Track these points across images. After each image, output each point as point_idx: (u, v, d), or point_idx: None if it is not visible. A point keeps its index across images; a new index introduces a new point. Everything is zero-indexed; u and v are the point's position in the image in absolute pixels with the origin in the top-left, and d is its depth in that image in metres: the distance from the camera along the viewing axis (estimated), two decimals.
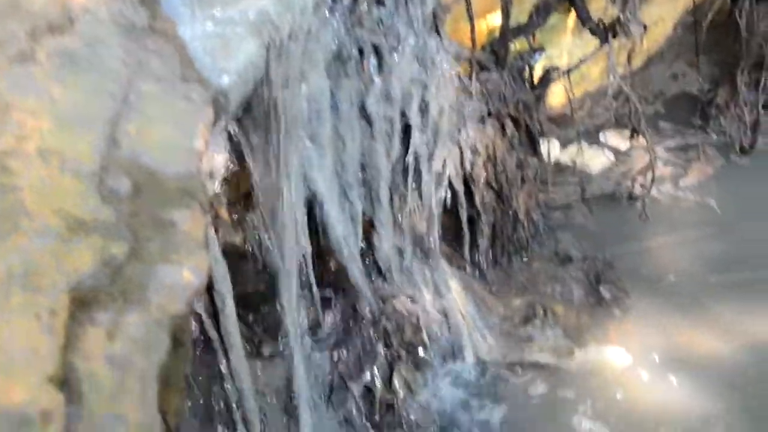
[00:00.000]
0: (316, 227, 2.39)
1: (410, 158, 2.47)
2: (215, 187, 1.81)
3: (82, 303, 1.10)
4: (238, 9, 1.58)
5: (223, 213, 1.68)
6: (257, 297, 2.50)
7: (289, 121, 1.82)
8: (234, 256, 2.45)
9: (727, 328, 2.83)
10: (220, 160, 1.70)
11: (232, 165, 1.79)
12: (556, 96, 3.48)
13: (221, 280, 2.13)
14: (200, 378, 2.32)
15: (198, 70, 1.33)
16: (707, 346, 2.81)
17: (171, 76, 1.29)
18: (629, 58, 3.23)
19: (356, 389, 2.57)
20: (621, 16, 2.86)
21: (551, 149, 3.41)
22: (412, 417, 2.70)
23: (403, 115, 2.36)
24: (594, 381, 2.77)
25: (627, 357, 2.81)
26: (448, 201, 2.84)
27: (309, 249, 2.32)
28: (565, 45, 3.37)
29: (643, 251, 3.13)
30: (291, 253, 2.24)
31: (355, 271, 2.54)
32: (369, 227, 2.58)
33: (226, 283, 2.14)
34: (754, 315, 2.86)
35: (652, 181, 3.15)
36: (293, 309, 2.36)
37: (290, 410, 2.44)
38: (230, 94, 1.43)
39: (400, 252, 2.72)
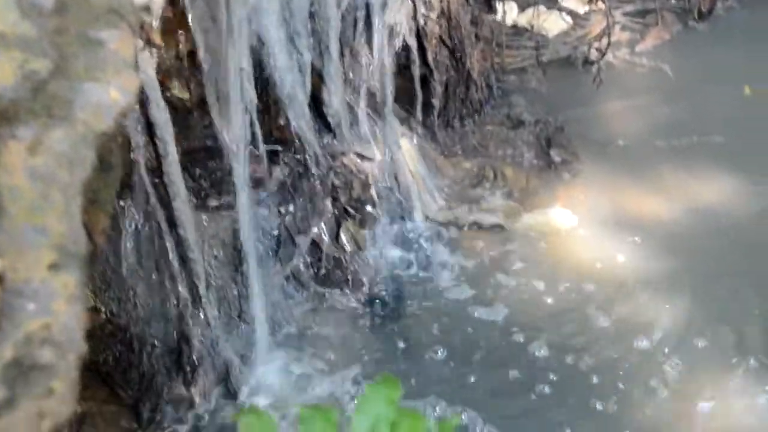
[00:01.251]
0: (263, 78, 2.34)
1: (361, 10, 2.40)
2: (153, 23, 1.73)
3: (2, 118, 1.05)
4: None
5: (157, 39, 1.61)
6: (204, 152, 2.46)
7: None
8: (182, 110, 2.40)
9: (672, 191, 2.87)
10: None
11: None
12: None
13: (163, 126, 2.08)
14: (146, 229, 2.28)
15: None
16: (653, 208, 2.85)
17: None
18: None
19: (303, 243, 2.57)
20: None
21: (508, 11, 3.35)
22: (359, 274, 2.71)
23: None
24: (540, 242, 2.81)
25: (573, 218, 2.84)
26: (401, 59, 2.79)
27: (255, 100, 2.26)
28: None
29: (594, 116, 3.14)
30: (236, 105, 2.20)
31: (303, 126, 2.50)
32: (318, 81, 2.53)
33: (168, 130, 2.10)
34: (700, 179, 2.90)
35: (608, 45, 3.13)
36: (240, 163, 2.33)
37: (237, 264, 2.44)
38: None
39: (351, 108, 2.67)
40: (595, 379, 2.42)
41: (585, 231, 2.81)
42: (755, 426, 2.32)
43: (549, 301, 2.65)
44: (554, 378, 2.44)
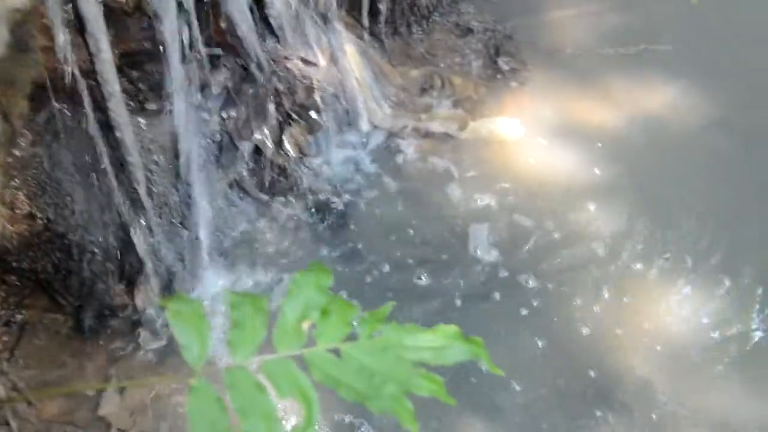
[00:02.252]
0: None
1: None
2: None
3: None
4: None
5: None
6: (143, 55, 2.36)
7: None
8: (119, 12, 2.29)
9: (618, 98, 2.87)
10: None
11: None
12: None
13: (93, 21, 1.97)
14: (81, 133, 2.20)
15: None
16: (599, 116, 2.84)
17: None
18: None
19: (246, 149, 2.52)
20: None
21: None
22: (304, 182, 2.68)
23: None
24: (487, 150, 2.79)
25: (521, 128, 2.82)
26: None
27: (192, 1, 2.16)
28: None
29: (543, 24, 3.10)
30: (170, 3, 2.10)
31: (245, 29, 2.41)
32: None
33: (100, 26, 1.99)
34: (644, 86, 2.90)
35: None
36: (177, 66, 2.25)
37: (178, 169, 2.38)
38: None
39: (296, 13, 2.58)
40: (545, 285, 2.47)
41: (532, 139, 2.80)
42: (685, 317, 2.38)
43: (496, 209, 2.64)
44: (502, 284, 2.47)
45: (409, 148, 2.78)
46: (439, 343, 1.32)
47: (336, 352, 1.28)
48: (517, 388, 2.25)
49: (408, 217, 2.62)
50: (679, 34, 3.01)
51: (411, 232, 2.59)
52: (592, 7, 3.11)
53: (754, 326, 2.37)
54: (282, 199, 2.64)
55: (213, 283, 2.49)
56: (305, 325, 1.30)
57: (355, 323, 1.31)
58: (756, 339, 2.34)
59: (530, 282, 2.46)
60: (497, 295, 2.44)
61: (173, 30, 2.12)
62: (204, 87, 2.45)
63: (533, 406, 2.23)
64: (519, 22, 3.06)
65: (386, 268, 2.51)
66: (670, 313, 2.41)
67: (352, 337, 1.29)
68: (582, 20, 3.08)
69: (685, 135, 2.77)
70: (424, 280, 2.48)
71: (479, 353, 1.29)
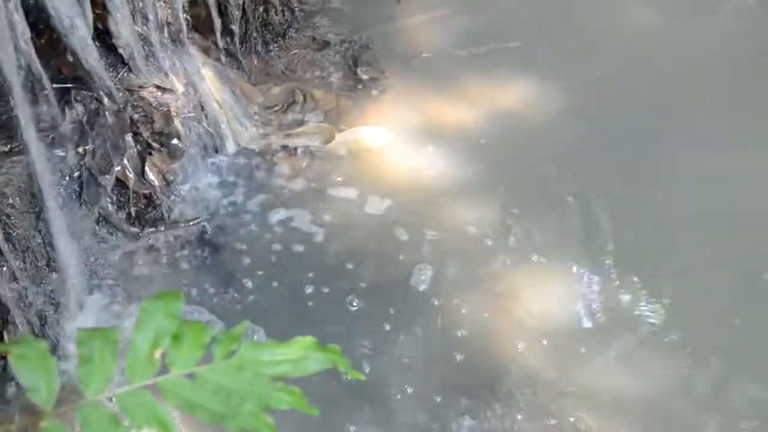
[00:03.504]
0: (38, 9, 2.17)
1: None
2: None
3: None
4: None
5: None
6: None
7: None
8: None
9: (474, 97, 2.93)
10: None
11: None
12: None
13: None
14: None
15: None
16: (457, 117, 2.90)
17: None
18: None
19: (108, 183, 2.46)
20: None
21: None
22: (174, 210, 2.65)
23: None
24: (355, 160, 2.81)
25: (386, 135, 2.86)
26: None
27: (28, 34, 2.08)
28: None
29: (397, 31, 3.14)
30: (6, 40, 2.02)
31: (91, 60, 2.36)
32: (103, 11, 2.36)
33: None
34: (497, 83, 2.98)
35: None
36: (23, 104, 2.17)
37: (38, 210, 2.31)
38: None
39: (145, 39, 2.54)
40: (421, 284, 2.51)
41: (397, 145, 2.84)
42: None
43: (370, 217, 2.67)
44: (364, 289, 2.49)
45: (279, 166, 2.79)
46: (296, 355, 1.33)
47: (191, 376, 1.28)
48: (408, 386, 2.29)
49: (284, 235, 2.62)
50: (525, 32, 3.11)
51: (289, 249, 2.58)
52: (442, 11, 3.19)
53: (636, 312, 2.46)
54: (152, 229, 2.58)
55: (90, 322, 2.42)
56: (157, 354, 1.29)
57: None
58: (638, 324, 2.43)
59: (411, 281, 2.50)
60: (358, 303, 2.47)
61: (9, 65, 2.04)
62: (55, 123, 2.38)
63: (425, 401, 2.27)
64: (374, 31, 3.10)
65: (265, 289, 2.50)
66: (549, 302, 2.48)
67: (208, 360, 1.27)
68: (433, 25, 3.14)
69: (540, 126, 2.86)
70: (311, 299, 2.48)
71: (336, 361, 1.31)
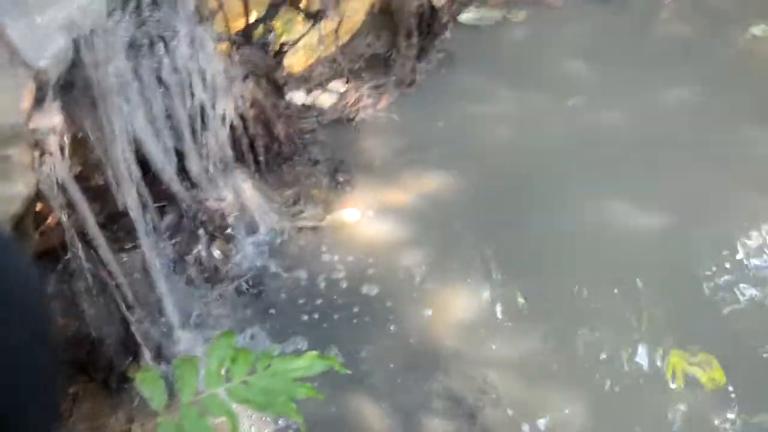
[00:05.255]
0: (144, 160, 2.38)
1: (199, 107, 2.49)
2: (61, 138, 1.78)
3: None
4: (50, 15, 1.56)
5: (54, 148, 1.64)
6: (119, 213, 2.39)
7: (104, 91, 1.82)
8: (99, 190, 2.37)
9: (409, 187, 3.06)
10: (57, 120, 1.69)
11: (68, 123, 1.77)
12: (300, 60, 3.51)
13: (79, 201, 2.09)
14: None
15: (22, 57, 1.34)
16: (401, 200, 3.02)
17: (2, 62, 1.29)
18: (338, 35, 3.36)
19: (190, 260, 2.62)
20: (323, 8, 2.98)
21: (299, 96, 3.47)
22: (232, 272, 2.77)
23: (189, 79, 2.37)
24: (339, 232, 2.93)
25: (357, 213, 2.99)
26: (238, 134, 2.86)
27: (139, 174, 2.30)
28: (299, 30, 3.37)
29: (361, 150, 3.25)
30: (127, 181, 2.22)
31: (176, 187, 2.55)
32: (182, 156, 2.59)
33: (83, 203, 2.11)
34: (424, 177, 3.09)
35: (358, 108, 3.34)
36: (139, 216, 2.35)
37: (151, 283, 2.47)
38: (48, 72, 1.43)
39: (206, 170, 2.73)
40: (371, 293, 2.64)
41: (366, 221, 2.96)
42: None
43: (353, 265, 2.78)
44: (361, 304, 2.61)
45: (292, 239, 2.91)
46: (307, 363, 1.38)
47: (245, 383, 1.35)
48: (370, 375, 2.39)
49: (297, 282, 2.76)
50: (439, 144, 3.23)
51: (306, 292, 2.71)
52: (386, 137, 3.31)
53: (517, 313, 2.51)
54: (219, 285, 2.72)
55: (187, 346, 2.53)
56: (223, 370, 1.38)
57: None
58: (518, 320, 2.49)
59: (383, 303, 2.63)
60: (358, 313, 2.59)
61: (131, 197, 2.25)
62: (157, 227, 2.56)
63: (380, 386, 2.36)
64: (346, 151, 3.23)
65: (296, 321, 2.61)
66: (459, 309, 2.57)
67: (254, 371, 1.36)
68: (382, 144, 3.27)
69: (453, 202, 2.99)
70: (323, 323, 2.59)
71: (332, 364, 1.40)
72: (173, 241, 2.63)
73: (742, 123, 3.23)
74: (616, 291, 2.49)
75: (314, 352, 1.38)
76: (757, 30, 3.76)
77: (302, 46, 3.33)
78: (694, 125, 3.22)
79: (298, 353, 1.55)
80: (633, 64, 3.58)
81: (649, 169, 2.98)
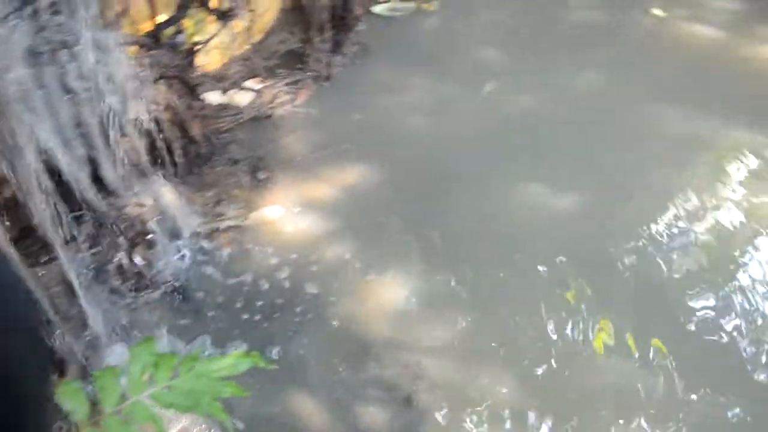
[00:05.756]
0: (55, 170, 2.32)
1: (110, 113, 2.43)
2: None
3: None
4: None
5: None
6: (33, 227, 2.33)
7: (3, 101, 1.77)
8: (9, 203, 2.28)
9: (328, 181, 3.07)
10: None
11: None
12: (215, 60, 3.48)
13: None
14: None
15: None
16: (323, 194, 3.04)
17: None
18: (251, 33, 3.36)
19: (112, 269, 2.58)
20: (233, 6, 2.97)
21: (215, 96, 3.45)
22: (156, 278, 2.74)
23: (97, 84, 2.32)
24: (263, 230, 2.92)
25: (280, 210, 2.99)
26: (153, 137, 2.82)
27: (51, 185, 2.24)
28: (211, 29, 3.34)
29: (281, 146, 3.24)
30: (37, 191, 2.17)
31: (92, 195, 2.49)
32: (96, 163, 2.53)
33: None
34: (341, 171, 3.10)
35: (275, 105, 3.36)
36: (51, 228, 2.28)
37: (70, 294, 2.42)
38: None
39: (122, 176, 2.67)
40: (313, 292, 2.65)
41: (290, 217, 2.96)
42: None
43: (281, 260, 2.78)
44: (301, 303, 2.60)
45: (216, 240, 2.89)
46: (232, 362, 1.39)
47: (169, 387, 1.36)
48: (314, 369, 2.41)
49: (224, 280, 2.74)
50: (354, 138, 3.25)
51: (235, 292, 2.70)
52: (305, 133, 3.28)
53: (446, 295, 2.56)
54: (145, 292, 2.68)
55: (115, 357, 2.45)
56: (145, 376, 1.38)
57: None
58: (448, 302, 2.52)
59: (318, 299, 2.65)
60: (288, 308, 2.59)
61: (41, 209, 2.19)
62: (74, 238, 2.50)
63: (326, 379, 2.39)
64: (266, 149, 3.22)
65: (223, 321, 2.60)
66: (388, 297, 2.59)
67: (178, 374, 1.37)
68: (301, 141, 3.27)
69: (371, 192, 3.02)
70: (262, 322, 2.57)
71: (257, 361, 1.40)
72: (93, 250, 2.57)
73: (653, 102, 3.31)
74: (540, 270, 2.52)
75: (239, 351, 1.37)
76: (657, 11, 4.01)
77: (215, 45, 3.32)
78: (606, 106, 3.32)
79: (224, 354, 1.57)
80: (545, 50, 3.70)
81: (566, 152, 3.07)
